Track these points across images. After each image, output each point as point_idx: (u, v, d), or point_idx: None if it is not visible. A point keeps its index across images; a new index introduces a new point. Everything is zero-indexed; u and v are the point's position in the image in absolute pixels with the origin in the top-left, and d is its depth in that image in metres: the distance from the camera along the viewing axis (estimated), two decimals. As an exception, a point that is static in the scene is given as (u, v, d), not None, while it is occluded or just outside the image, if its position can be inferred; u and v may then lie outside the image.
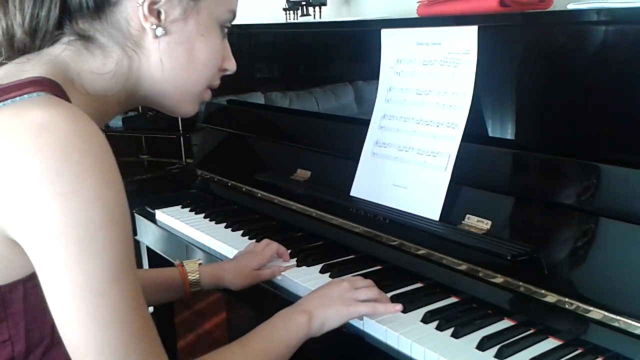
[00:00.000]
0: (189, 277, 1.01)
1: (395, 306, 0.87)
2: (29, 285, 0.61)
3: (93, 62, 0.67)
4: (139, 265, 1.61)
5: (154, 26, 0.67)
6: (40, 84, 0.61)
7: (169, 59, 0.70)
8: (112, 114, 0.72)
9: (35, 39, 0.66)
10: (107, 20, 0.67)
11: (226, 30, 0.75)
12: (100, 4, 0.66)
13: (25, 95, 0.59)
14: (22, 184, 0.54)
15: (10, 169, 0.55)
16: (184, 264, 1.03)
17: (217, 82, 0.77)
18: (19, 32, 0.65)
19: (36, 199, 0.54)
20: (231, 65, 0.78)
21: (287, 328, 0.80)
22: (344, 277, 0.94)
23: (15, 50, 0.66)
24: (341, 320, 0.85)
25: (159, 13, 0.67)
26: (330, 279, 1.00)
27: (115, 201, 0.57)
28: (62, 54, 0.66)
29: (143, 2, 0.66)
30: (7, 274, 0.61)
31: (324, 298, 0.85)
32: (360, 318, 0.87)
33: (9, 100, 0.58)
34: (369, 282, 0.91)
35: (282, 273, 1.05)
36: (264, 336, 0.79)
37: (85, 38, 0.67)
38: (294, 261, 1.09)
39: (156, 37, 0.68)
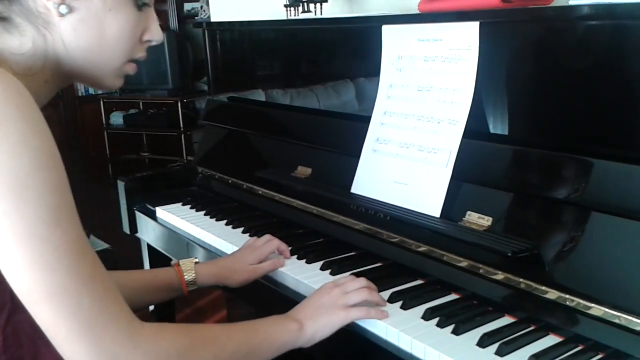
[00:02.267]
0: (185, 277, 1.01)
1: (384, 313, 0.86)
2: None
3: (12, 42, 0.69)
4: (140, 263, 1.61)
5: (57, 5, 0.67)
6: None
7: (78, 36, 0.69)
8: (43, 94, 0.72)
9: None
10: (18, 1, 0.67)
11: (141, 2, 0.73)
12: None
13: None
14: None
15: None
16: (180, 263, 1.03)
17: (141, 54, 0.76)
18: None
19: None
20: (154, 36, 0.76)
21: (274, 326, 0.81)
22: (337, 279, 0.92)
23: None
24: (333, 329, 0.84)
25: None
26: (331, 276, 1.00)
27: (42, 147, 0.59)
28: None
29: None
30: None
31: (315, 308, 0.85)
32: None
33: None
34: (360, 282, 0.89)
35: (282, 270, 1.04)
36: (248, 326, 0.79)
37: (2, 20, 0.68)
38: (294, 258, 1.09)
39: (61, 15, 0.68)
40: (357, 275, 0.95)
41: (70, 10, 0.68)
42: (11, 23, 0.68)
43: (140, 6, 0.73)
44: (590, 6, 0.85)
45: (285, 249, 1.09)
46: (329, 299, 0.86)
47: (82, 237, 0.62)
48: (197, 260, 1.05)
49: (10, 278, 0.59)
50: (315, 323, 0.83)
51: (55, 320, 0.59)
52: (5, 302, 0.64)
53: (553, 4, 1.05)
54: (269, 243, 1.08)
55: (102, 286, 0.62)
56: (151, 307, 1.64)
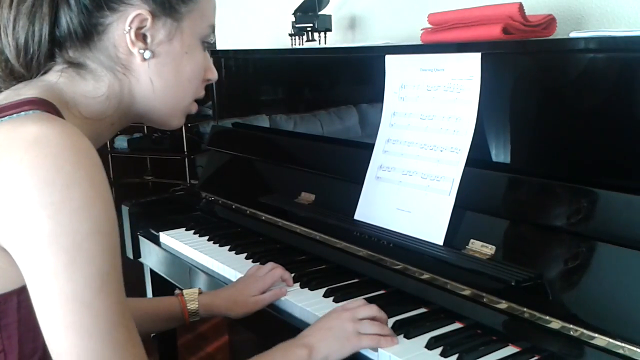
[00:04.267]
0: (188, 307, 1.01)
1: (395, 340, 0.86)
2: (23, 296, 0.62)
3: (85, 87, 0.70)
4: (142, 288, 1.61)
5: (142, 50, 0.70)
6: (35, 103, 0.63)
7: (159, 79, 0.72)
8: (106, 135, 0.74)
9: (30, 69, 0.69)
10: (96, 48, 0.69)
11: (206, 44, 0.77)
12: (88, 33, 0.68)
13: (22, 113, 0.61)
14: (15, 194, 0.56)
15: (4, 179, 0.57)
16: (184, 293, 1.03)
17: (202, 93, 0.80)
18: (15, 64, 0.68)
19: (27, 207, 0.56)
20: (213, 75, 0.80)
21: None
22: (347, 303, 0.92)
23: (15, 78, 0.70)
24: (343, 355, 0.84)
25: (144, 37, 0.70)
26: (334, 304, 1.00)
27: (103, 213, 0.59)
28: (56, 80, 0.69)
29: (130, 30, 0.69)
30: (1, 285, 0.63)
31: (325, 331, 0.84)
32: None
33: (6, 117, 0.61)
34: (372, 311, 0.89)
35: (285, 297, 1.04)
36: None
37: (76, 65, 0.69)
38: (297, 285, 1.09)
39: (144, 60, 0.71)
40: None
41: (153, 55, 0.71)
42: (86, 69, 0.70)
43: (206, 47, 0.77)
44: (591, 39, 0.87)
45: (289, 277, 1.09)
46: (341, 323, 0.85)
47: (123, 304, 0.62)
48: (200, 290, 1.05)
49: (47, 336, 0.59)
50: (328, 347, 0.82)
51: None
52: (38, 349, 0.64)
53: (554, 36, 1.07)
54: (272, 273, 1.07)
55: (132, 355, 0.62)
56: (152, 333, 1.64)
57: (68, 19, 0.67)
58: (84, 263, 0.58)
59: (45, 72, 0.69)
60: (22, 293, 0.62)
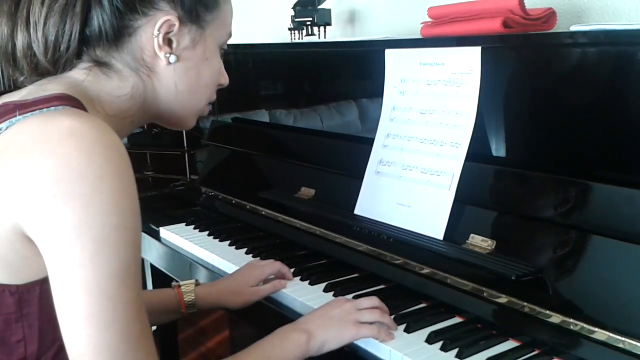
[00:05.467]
0: (185, 299, 1.01)
1: (392, 335, 0.86)
2: (46, 287, 0.63)
3: (110, 85, 0.72)
4: (143, 283, 1.61)
5: (168, 54, 0.72)
6: (63, 98, 0.65)
7: (180, 82, 0.74)
8: (125, 132, 0.76)
9: (57, 66, 0.70)
10: (123, 49, 0.71)
11: (222, 50, 0.80)
12: (118, 34, 0.70)
13: (52, 107, 0.63)
14: (45, 184, 0.58)
15: (36, 170, 0.58)
16: (180, 284, 1.03)
17: (214, 97, 0.82)
18: (42, 60, 0.69)
19: (57, 198, 0.57)
20: (226, 80, 0.83)
21: (283, 347, 0.80)
22: (348, 297, 0.93)
23: (39, 74, 0.71)
24: (341, 342, 0.84)
25: (170, 42, 0.72)
26: (334, 298, 1.00)
27: (129, 207, 0.61)
28: (80, 77, 0.70)
29: (158, 34, 0.71)
30: (25, 274, 0.64)
31: (325, 318, 0.85)
32: None
33: (37, 111, 0.63)
34: (374, 302, 0.90)
35: (284, 291, 1.04)
36: (258, 355, 0.79)
37: (102, 64, 0.71)
38: (297, 280, 1.09)
39: (169, 63, 0.73)
40: (361, 297, 0.95)
41: (178, 59, 0.73)
42: (111, 68, 0.71)
43: (222, 54, 0.80)
44: (591, 32, 0.86)
45: (287, 271, 1.09)
46: (341, 312, 0.86)
47: (140, 298, 0.63)
48: (197, 281, 1.05)
49: (64, 327, 0.60)
50: (326, 333, 0.83)
51: None
52: (57, 339, 0.65)
53: (554, 30, 1.06)
54: (270, 265, 1.08)
55: (145, 351, 0.63)
56: (154, 328, 1.65)
57: (100, 20, 0.68)
58: (108, 255, 0.59)
59: (70, 69, 0.71)
60: (44, 283, 0.63)
